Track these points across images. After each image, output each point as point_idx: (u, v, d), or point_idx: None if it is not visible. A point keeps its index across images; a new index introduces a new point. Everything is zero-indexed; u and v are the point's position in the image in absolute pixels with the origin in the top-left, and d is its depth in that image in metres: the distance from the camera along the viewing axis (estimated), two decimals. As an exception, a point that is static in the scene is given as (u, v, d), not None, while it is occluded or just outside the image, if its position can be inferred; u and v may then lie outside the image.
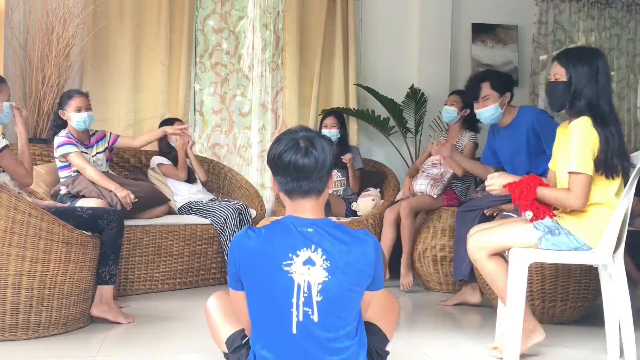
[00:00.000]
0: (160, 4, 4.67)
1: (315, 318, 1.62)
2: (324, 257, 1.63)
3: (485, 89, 3.31)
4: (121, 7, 4.63)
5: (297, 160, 1.64)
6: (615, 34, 5.67)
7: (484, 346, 2.62)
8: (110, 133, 3.80)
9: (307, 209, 1.70)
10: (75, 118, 3.48)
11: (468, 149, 3.96)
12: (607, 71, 2.45)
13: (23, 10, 4.32)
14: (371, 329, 1.82)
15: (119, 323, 2.87)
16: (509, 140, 3.38)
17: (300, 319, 1.61)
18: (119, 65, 4.62)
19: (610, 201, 2.38)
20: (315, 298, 1.61)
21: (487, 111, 3.33)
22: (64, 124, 3.57)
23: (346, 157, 4.25)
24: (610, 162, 2.33)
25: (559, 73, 2.46)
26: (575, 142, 2.33)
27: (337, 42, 5.00)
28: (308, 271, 1.62)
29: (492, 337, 2.72)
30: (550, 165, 2.64)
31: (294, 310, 1.62)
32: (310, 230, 1.66)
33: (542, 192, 2.41)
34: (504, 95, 3.33)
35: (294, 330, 1.62)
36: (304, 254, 1.63)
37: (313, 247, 1.63)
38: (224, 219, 3.85)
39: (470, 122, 4.03)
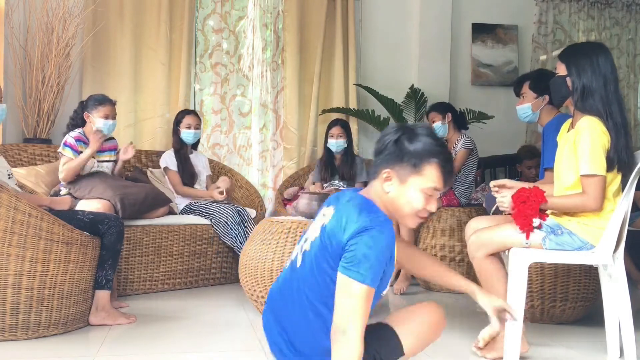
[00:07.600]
0: (160, 4, 4.67)
1: (297, 263, 1.66)
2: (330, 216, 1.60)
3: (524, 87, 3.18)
4: (121, 7, 4.64)
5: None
6: (615, 34, 5.67)
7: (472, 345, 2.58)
8: (119, 151, 3.81)
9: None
10: (100, 124, 3.51)
11: (460, 155, 4.07)
12: (610, 64, 2.38)
13: (23, 10, 4.32)
14: (384, 333, 1.64)
15: (121, 324, 2.87)
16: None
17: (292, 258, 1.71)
18: (119, 65, 4.63)
19: (610, 200, 2.37)
20: (304, 247, 1.66)
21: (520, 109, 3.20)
22: (81, 123, 3.59)
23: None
24: (624, 158, 2.32)
25: (560, 69, 2.47)
26: (587, 144, 2.30)
27: (337, 42, 5.00)
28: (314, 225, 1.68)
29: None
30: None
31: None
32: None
33: (555, 202, 2.37)
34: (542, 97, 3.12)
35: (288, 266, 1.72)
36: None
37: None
38: (225, 222, 3.85)
39: (458, 123, 4.19)
